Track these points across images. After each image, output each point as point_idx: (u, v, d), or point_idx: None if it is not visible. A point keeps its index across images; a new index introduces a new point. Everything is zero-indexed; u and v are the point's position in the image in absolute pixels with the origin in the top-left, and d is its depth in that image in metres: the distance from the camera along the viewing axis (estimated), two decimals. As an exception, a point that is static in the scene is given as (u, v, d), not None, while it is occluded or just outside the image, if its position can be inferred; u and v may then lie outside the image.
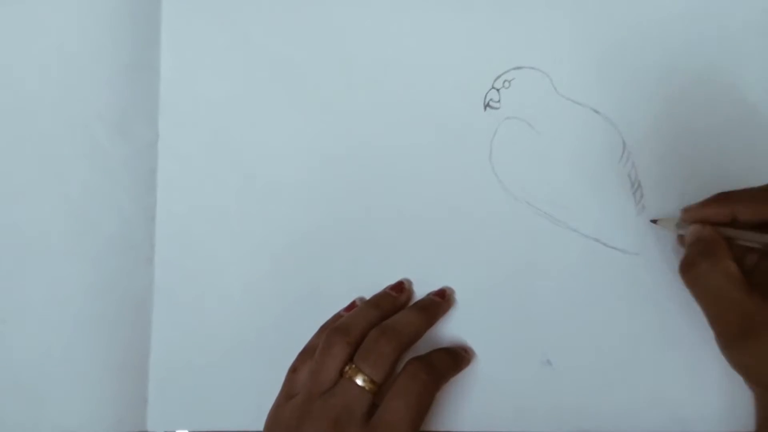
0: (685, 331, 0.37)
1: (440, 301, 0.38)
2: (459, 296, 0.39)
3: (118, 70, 0.41)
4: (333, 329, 0.35)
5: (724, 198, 0.33)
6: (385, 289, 0.39)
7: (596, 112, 0.39)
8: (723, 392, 0.37)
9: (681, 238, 0.36)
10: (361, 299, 0.39)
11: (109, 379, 0.40)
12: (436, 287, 0.39)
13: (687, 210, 0.34)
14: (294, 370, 0.36)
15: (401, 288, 0.38)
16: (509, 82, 0.39)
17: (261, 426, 0.35)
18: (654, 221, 0.37)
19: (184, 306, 0.40)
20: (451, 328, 0.38)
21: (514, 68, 0.40)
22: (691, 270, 0.32)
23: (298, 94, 0.41)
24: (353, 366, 0.34)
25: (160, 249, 0.41)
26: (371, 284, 0.39)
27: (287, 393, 0.36)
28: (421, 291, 0.39)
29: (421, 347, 0.37)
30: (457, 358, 0.37)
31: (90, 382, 0.40)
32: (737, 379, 0.36)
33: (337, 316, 0.38)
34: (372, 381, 0.33)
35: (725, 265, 0.31)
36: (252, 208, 0.40)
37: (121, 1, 0.42)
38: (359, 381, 0.33)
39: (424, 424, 0.33)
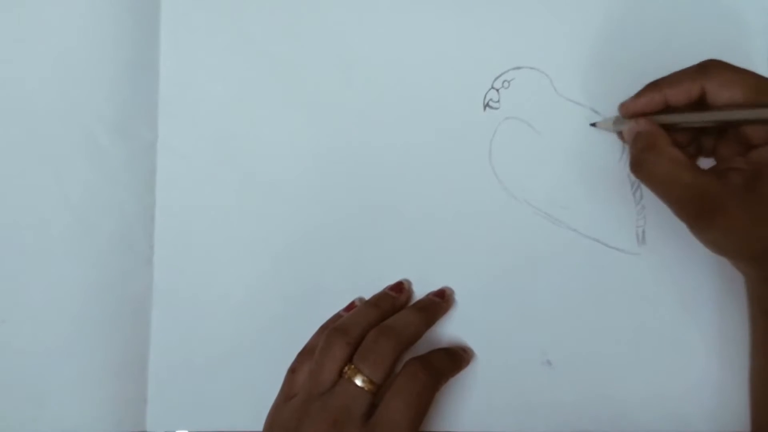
0: (685, 331, 0.37)
1: (440, 301, 0.38)
2: (459, 296, 0.39)
3: (118, 70, 0.41)
4: (332, 329, 0.35)
5: (653, 86, 0.34)
6: (384, 289, 0.39)
7: (596, 112, 0.39)
8: (723, 392, 0.37)
9: (621, 135, 0.36)
10: (361, 299, 0.39)
11: (108, 379, 0.40)
12: (435, 287, 0.39)
13: (622, 105, 0.35)
14: (293, 370, 0.36)
15: (401, 288, 0.38)
16: (509, 82, 0.39)
17: (260, 426, 0.35)
18: (593, 125, 0.38)
19: (184, 306, 0.40)
20: (451, 328, 0.38)
21: (514, 68, 0.40)
22: (640, 166, 0.33)
23: (297, 94, 0.41)
24: (352, 366, 0.34)
25: (160, 249, 0.41)
26: (371, 284, 0.39)
27: (286, 393, 0.36)
28: (420, 291, 0.39)
29: (421, 347, 0.37)
30: (456, 357, 0.37)
31: (90, 382, 0.40)
32: (737, 379, 0.36)
33: (337, 317, 0.38)
34: (371, 381, 0.33)
35: (668, 153, 0.32)
36: (252, 207, 0.40)
37: (121, 1, 0.42)
38: (358, 381, 0.33)
39: (424, 424, 0.33)
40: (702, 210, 0.31)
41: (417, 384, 0.33)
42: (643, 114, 0.34)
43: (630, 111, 0.34)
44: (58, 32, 0.42)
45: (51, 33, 0.42)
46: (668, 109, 0.33)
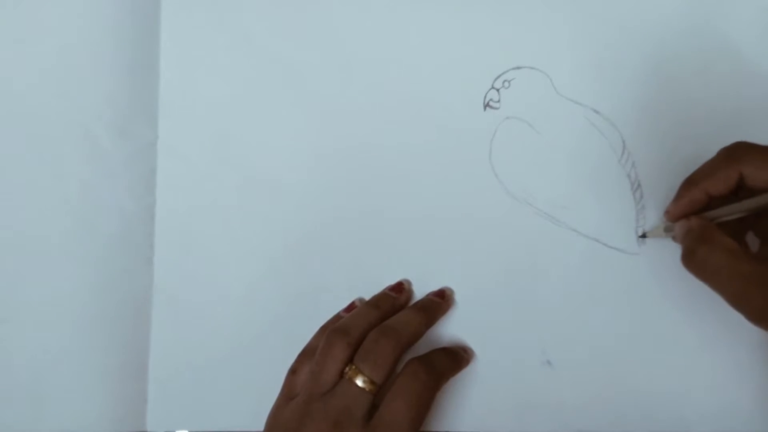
0: (685, 331, 0.37)
1: (440, 302, 0.38)
2: (459, 296, 0.39)
3: (118, 70, 0.41)
4: (333, 330, 0.35)
5: (690, 184, 0.33)
6: (384, 289, 0.39)
7: (596, 112, 0.39)
8: (723, 392, 0.37)
9: (674, 239, 0.36)
10: (361, 300, 0.39)
11: (109, 379, 0.40)
12: (435, 287, 0.39)
13: (667, 212, 0.35)
14: (294, 371, 0.36)
15: (401, 288, 0.38)
16: (509, 82, 0.39)
17: (261, 426, 0.35)
18: (643, 236, 0.37)
19: (184, 306, 0.40)
20: (451, 328, 0.38)
21: (514, 68, 0.40)
22: (693, 258, 0.32)
23: (297, 94, 0.41)
24: (353, 367, 0.34)
25: (160, 249, 0.41)
26: (371, 284, 0.39)
27: (287, 394, 0.36)
28: (420, 291, 0.39)
29: (421, 347, 0.37)
30: (456, 357, 0.37)
31: (90, 382, 0.40)
32: (737, 379, 0.36)
33: (337, 317, 0.38)
34: (372, 382, 0.33)
35: (722, 243, 0.31)
36: (252, 208, 0.40)
37: (121, 2, 0.42)
38: (359, 382, 0.33)
39: (424, 425, 0.33)
40: (764, 302, 0.29)
41: (418, 384, 0.33)
42: (688, 214, 0.33)
43: (676, 215, 0.34)
44: (58, 32, 0.42)
45: (51, 33, 0.42)
46: (710, 202, 0.33)
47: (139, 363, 0.40)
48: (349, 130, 0.40)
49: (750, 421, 0.36)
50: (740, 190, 0.32)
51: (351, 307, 0.38)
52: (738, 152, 0.32)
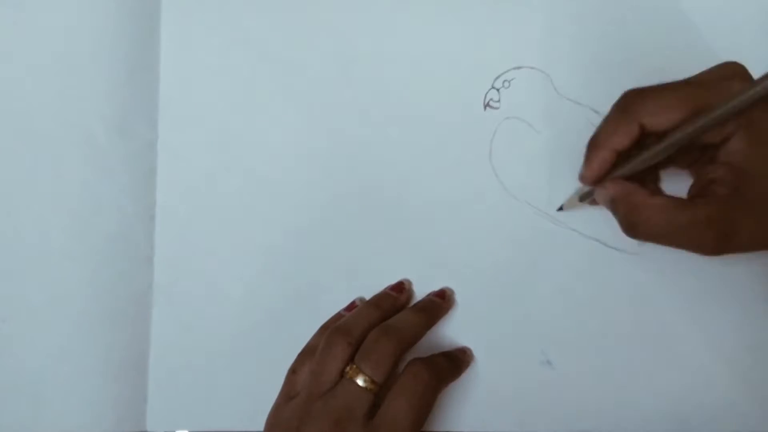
0: (685, 331, 0.37)
1: (440, 302, 0.38)
2: (459, 296, 0.39)
3: (118, 70, 0.41)
4: (334, 329, 0.35)
5: (595, 146, 0.32)
6: (385, 289, 0.38)
7: (596, 112, 0.39)
8: (723, 392, 0.37)
9: (594, 202, 0.36)
10: (361, 299, 0.39)
11: (109, 379, 0.40)
12: (436, 287, 0.39)
13: (582, 177, 0.34)
14: (294, 370, 0.36)
15: (401, 288, 0.38)
16: (509, 81, 0.39)
17: (261, 426, 0.35)
18: (560, 209, 0.38)
19: (184, 306, 0.40)
20: (451, 329, 0.38)
21: (514, 68, 0.40)
22: (634, 230, 0.32)
23: (297, 94, 0.41)
24: (354, 366, 0.34)
25: (160, 248, 0.41)
26: (371, 284, 0.39)
27: (287, 393, 0.36)
28: (420, 291, 0.39)
29: (421, 347, 0.37)
30: (456, 362, 0.37)
31: (90, 382, 0.40)
32: (737, 379, 0.36)
33: (338, 316, 0.38)
34: (373, 381, 0.33)
35: (652, 204, 0.31)
36: (252, 207, 0.40)
37: (121, 2, 0.42)
38: (360, 381, 0.33)
39: (425, 425, 0.33)
40: (716, 240, 0.30)
41: (420, 384, 0.33)
42: (603, 175, 0.33)
43: (590, 179, 0.33)
44: (57, 32, 0.42)
45: (50, 33, 0.42)
46: (619, 157, 0.32)
47: (139, 363, 0.40)
48: (349, 130, 0.40)
49: (750, 421, 0.36)
50: (645, 137, 0.32)
51: (352, 306, 0.38)
52: (632, 105, 0.31)
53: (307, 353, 0.37)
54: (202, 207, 0.41)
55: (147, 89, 0.41)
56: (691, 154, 0.34)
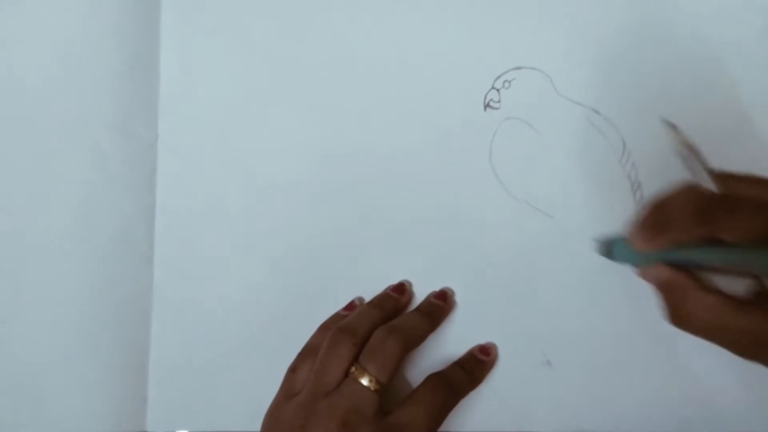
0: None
1: (442, 305, 0.38)
2: (459, 297, 0.39)
3: (118, 70, 0.41)
4: (339, 329, 0.35)
5: (654, 226, 0.31)
6: (386, 290, 0.38)
7: (596, 112, 0.39)
8: (723, 392, 0.37)
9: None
10: (360, 299, 0.39)
11: (109, 379, 0.40)
12: (435, 287, 0.39)
13: (637, 243, 0.32)
14: (294, 369, 0.36)
15: (402, 289, 0.38)
16: (509, 82, 0.39)
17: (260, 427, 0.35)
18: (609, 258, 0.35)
19: (184, 306, 0.40)
20: (452, 329, 0.38)
21: (514, 68, 0.40)
22: (680, 320, 0.31)
23: (297, 94, 0.41)
24: (359, 366, 0.34)
25: (160, 249, 0.41)
26: (371, 284, 0.39)
27: (287, 392, 0.36)
28: (421, 291, 0.39)
29: (422, 348, 0.37)
30: (474, 373, 0.37)
31: (90, 382, 0.40)
32: (737, 380, 0.36)
33: (337, 316, 0.38)
34: (378, 382, 0.33)
35: (703, 302, 0.29)
36: (252, 208, 0.40)
37: (121, 2, 0.42)
38: (364, 381, 0.33)
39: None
40: (758, 351, 0.29)
41: (438, 397, 0.34)
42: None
43: (642, 249, 0.31)
44: (58, 32, 0.42)
45: (51, 33, 0.42)
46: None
47: (139, 363, 0.40)
48: (349, 131, 0.40)
49: (750, 421, 0.36)
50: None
51: (351, 306, 0.38)
52: (711, 212, 0.29)
53: (307, 352, 0.37)
54: (202, 207, 0.41)
55: (147, 89, 0.41)
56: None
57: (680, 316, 0.31)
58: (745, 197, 0.29)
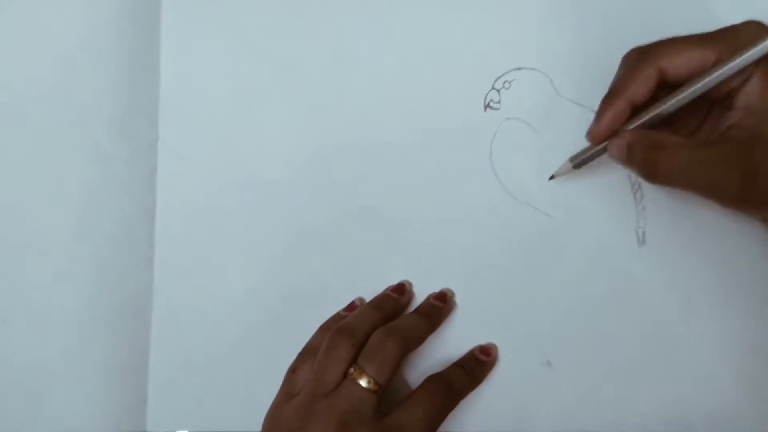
0: (685, 331, 0.37)
1: (442, 306, 0.38)
2: (459, 297, 0.39)
3: (118, 71, 0.41)
4: (337, 330, 0.35)
5: (610, 97, 0.32)
6: (386, 290, 0.38)
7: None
8: (724, 392, 0.37)
9: (582, 163, 0.35)
10: (361, 299, 0.39)
11: (108, 379, 0.40)
12: (436, 288, 0.39)
13: (590, 133, 0.33)
14: (294, 370, 0.36)
15: (402, 290, 0.38)
16: (509, 82, 0.39)
17: (260, 427, 0.35)
18: (551, 178, 0.37)
19: (184, 306, 0.40)
20: (452, 329, 0.39)
21: (515, 69, 0.40)
22: (656, 170, 0.31)
23: (297, 95, 0.41)
24: (358, 367, 0.34)
25: (160, 249, 0.41)
26: (371, 284, 0.39)
27: (287, 393, 0.36)
28: (420, 291, 0.39)
29: (423, 349, 0.37)
30: (473, 377, 0.37)
31: (90, 382, 0.40)
32: (737, 380, 0.36)
33: (338, 317, 0.38)
34: (376, 383, 0.33)
35: (673, 143, 0.30)
36: (252, 207, 0.40)
37: (121, 2, 0.42)
38: (363, 383, 0.33)
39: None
40: (741, 180, 0.29)
41: (437, 399, 0.34)
42: (615, 130, 0.32)
43: (602, 134, 0.33)
44: (58, 33, 0.42)
45: (51, 34, 0.42)
46: (634, 111, 0.32)
47: (139, 363, 0.40)
48: (349, 131, 0.40)
49: (750, 421, 0.36)
50: (660, 90, 0.31)
51: (351, 306, 0.38)
52: (651, 49, 0.31)
53: (307, 353, 0.37)
54: (202, 207, 0.41)
55: (147, 90, 0.41)
56: (704, 107, 0.33)
57: (654, 164, 0.31)
58: (676, 37, 0.31)
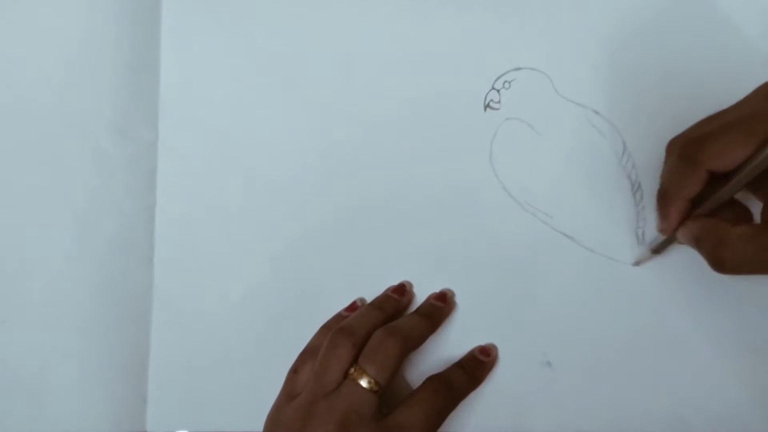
0: (685, 332, 0.37)
1: (442, 306, 0.38)
2: (459, 297, 0.39)
3: (118, 71, 0.41)
4: (338, 330, 0.35)
5: (665, 199, 0.33)
6: (386, 291, 0.38)
7: (596, 112, 0.39)
8: (723, 393, 0.37)
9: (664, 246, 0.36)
10: (362, 300, 0.39)
11: (108, 379, 0.40)
12: (436, 288, 0.39)
13: (662, 231, 0.35)
14: (295, 370, 0.36)
15: (403, 290, 0.38)
16: (509, 82, 0.39)
17: (261, 427, 0.35)
18: (635, 264, 0.38)
19: (184, 306, 0.40)
20: (452, 329, 0.38)
21: (515, 69, 0.40)
22: (722, 265, 0.31)
23: (297, 95, 0.41)
24: (358, 367, 0.34)
25: (160, 249, 0.41)
26: (371, 285, 0.39)
27: (288, 393, 0.36)
28: (420, 291, 0.39)
29: (423, 349, 0.37)
30: (473, 377, 0.37)
31: (90, 382, 0.40)
32: (737, 382, 0.36)
33: (338, 317, 0.38)
34: (377, 383, 0.33)
35: (736, 234, 0.30)
36: (252, 208, 0.40)
37: (121, 2, 0.42)
38: (364, 383, 0.33)
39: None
40: None
41: (437, 399, 0.34)
42: (681, 223, 0.33)
43: (670, 230, 0.34)
44: (58, 32, 0.42)
45: (51, 34, 0.42)
46: (693, 202, 0.32)
47: (139, 363, 0.40)
48: (349, 131, 0.40)
49: (750, 422, 0.36)
50: (715, 178, 0.32)
51: (353, 306, 0.38)
52: (694, 154, 0.31)
53: (308, 353, 0.37)
54: (202, 207, 0.41)
55: (147, 90, 0.41)
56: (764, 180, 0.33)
57: (722, 259, 0.31)
58: (715, 129, 0.31)
